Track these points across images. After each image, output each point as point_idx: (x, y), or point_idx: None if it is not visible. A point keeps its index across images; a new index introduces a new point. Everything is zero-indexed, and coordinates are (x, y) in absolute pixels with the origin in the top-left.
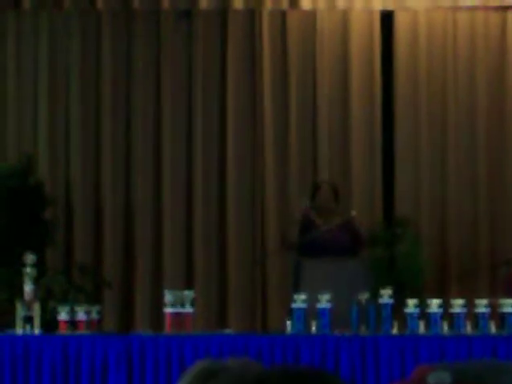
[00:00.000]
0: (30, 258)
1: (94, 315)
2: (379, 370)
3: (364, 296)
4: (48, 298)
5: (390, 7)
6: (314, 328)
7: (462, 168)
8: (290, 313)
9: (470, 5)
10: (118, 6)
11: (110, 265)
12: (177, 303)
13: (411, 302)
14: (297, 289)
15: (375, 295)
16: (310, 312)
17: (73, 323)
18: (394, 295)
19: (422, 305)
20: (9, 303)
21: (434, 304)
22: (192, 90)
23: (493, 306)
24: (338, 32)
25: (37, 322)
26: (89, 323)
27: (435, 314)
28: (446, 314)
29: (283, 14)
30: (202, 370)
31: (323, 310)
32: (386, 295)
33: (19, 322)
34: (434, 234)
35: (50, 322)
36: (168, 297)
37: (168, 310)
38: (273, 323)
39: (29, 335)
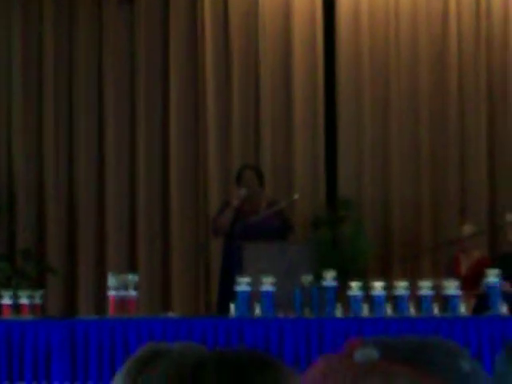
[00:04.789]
0: None
1: (38, 300)
2: (323, 352)
3: (307, 278)
4: None
5: None
6: (257, 311)
7: (404, 150)
8: (221, 295)
9: None
10: None
11: (53, 249)
12: (120, 287)
13: (355, 285)
14: (239, 272)
15: (319, 278)
16: (254, 295)
17: (16, 308)
18: (338, 278)
19: (366, 287)
20: None
21: (378, 286)
22: (134, 73)
23: (436, 288)
24: (280, 14)
25: None
26: (32, 308)
27: (379, 296)
28: (390, 296)
29: None
30: (143, 354)
31: (266, 292)
32: (329, 278)
33: None
34: (376, 216)
35: None
36: (111, 280)
37: (111, 293)
38: (216, 306)
39: None
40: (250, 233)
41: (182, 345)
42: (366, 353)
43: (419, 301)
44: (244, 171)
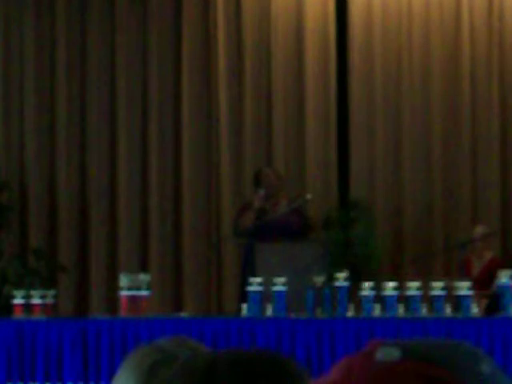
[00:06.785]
0: None
1: (50, 299)
2: (335, 352)
3: (319, 279)
4: (3, 282)
5: None
6: (269, 311)
7: (416, 151)
8: (241, 296)
9: None
10: None
11: (65, 249)
12: (132, 286)
13: (366, 285)
14: (251, 272)
15: (331, 278)
16: (266, 295)
17: (28, 307)
18: (350, 278)
19: (378, 287)
20: None
21: (390, 287)
22: (147, 71)
23: (448, 289)
24: (293, 14)
25: None
26: (44, 307)
27: (391, 296)
28: (402, 297)
29: None
30: (148, 359)
31: (279, 293)
32: (341, 278)
33: None
34: (388, 217)
35: (5, 307)
36: (123, 280)
37: (123, 293)
38: (228, 306)
39: None
40: (271, 231)
41: (171, 340)
42: (387, 352)
43: (431, 301)
44: (262, 171)
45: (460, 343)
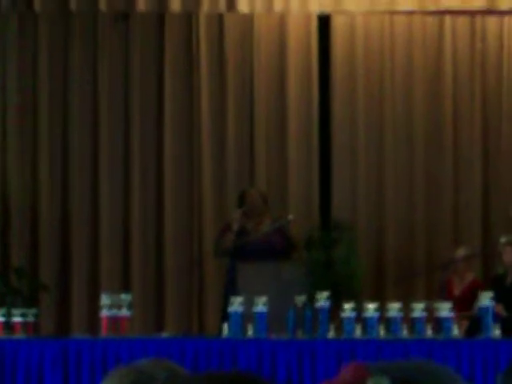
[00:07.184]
0: None
1: (31, 318)
2: (315, 374)
3: (300, 300)
4: None
5: (327, 10)
6: (250, 332)
7: (398, 172)
8: (223, 317)
9: (406, 9)
10: (55, 8)
11: (46, 267)
12: (113, 306)
13: (348, 306)
14: (233, 293)
15: (312, 299)
16: (247, 316)
17: (9, 326)
18: (331, 299)
19: (359, 309)
20: None
21: (371, 308)
22: (129, 92)
23: (429, 310)
24: (275, 35)
25: None
26: (25, 326)
27: (372, 317)
28: (383, 318)
29: (220, 17)
30: (126, 380)
31: (260, 313)
32: (322, 299)
33: None
34: (370, 238)
35: None
36: (105, 300)
37: (104, 313)
38: (209, 327)
39: None
40: (254, 250)
41: (150, 362)
42: (378, 381)
43: (412, 323)
44: (247, 191)
45: (435, 366)
